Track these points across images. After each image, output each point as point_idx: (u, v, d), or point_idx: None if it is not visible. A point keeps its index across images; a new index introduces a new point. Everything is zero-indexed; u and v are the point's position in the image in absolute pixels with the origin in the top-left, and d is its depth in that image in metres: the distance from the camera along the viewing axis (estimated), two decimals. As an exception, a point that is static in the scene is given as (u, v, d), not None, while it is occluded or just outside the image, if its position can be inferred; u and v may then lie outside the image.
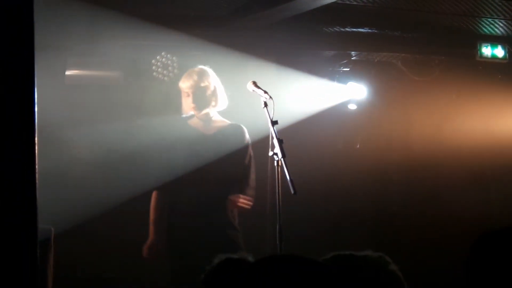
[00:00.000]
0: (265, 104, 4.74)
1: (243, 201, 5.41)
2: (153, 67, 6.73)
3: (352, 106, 7.81)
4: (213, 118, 5.58)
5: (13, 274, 1.61)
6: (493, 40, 7.75)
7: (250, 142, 5.58)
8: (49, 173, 5.07)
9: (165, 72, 6.74)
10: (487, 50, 7.71)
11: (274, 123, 4.63)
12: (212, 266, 3.76)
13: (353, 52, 7.74)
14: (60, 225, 5.38)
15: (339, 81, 7.62)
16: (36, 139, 1.63)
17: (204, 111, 5.54)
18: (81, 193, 6.27)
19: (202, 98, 5.51)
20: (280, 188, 4.54)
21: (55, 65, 6.23)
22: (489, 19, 7.19)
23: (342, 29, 7.30)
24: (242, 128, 5.59)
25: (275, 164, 4.53)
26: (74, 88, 6.52)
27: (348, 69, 7.72)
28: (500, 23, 7.34)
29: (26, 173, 1.63)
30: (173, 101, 6.25)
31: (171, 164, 5.49)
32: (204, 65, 5.70)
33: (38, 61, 1.77)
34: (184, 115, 5.61)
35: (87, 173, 6.50)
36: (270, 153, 4.60)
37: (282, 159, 4.49)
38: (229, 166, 5.49)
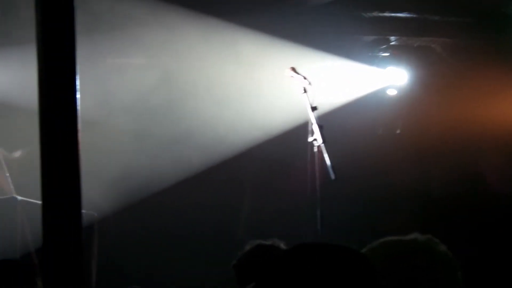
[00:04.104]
0: (305, 90, 4.73)
1: None
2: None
3: (392, 92, 7.76)
4: None
5: (60, 259, 1.64)
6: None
7: None
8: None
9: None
10: (530, 35, 7.59)
11: (313, 108, 4.62)
12: (243, 252, 3.78)
13: (392, 37, 7.68)
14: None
15: (378, 66, 7.59)
16: (79, 126, 1.66)
17: None
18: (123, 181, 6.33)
19: None
20: (319, 174, 4.54)
21: (94, 53, 6.27)
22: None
23: (381, 14, 7.24)
24: None
25: (315, 149, 4.53)
26: (110, 76, 6.56)
27: (388, 54, 7.68)
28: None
29: (71, 161, 1.65)
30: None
31: None
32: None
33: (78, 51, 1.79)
34: None
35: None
36: (310, 139, 4.59)
37: (322, 144, 4.49)
38: None
